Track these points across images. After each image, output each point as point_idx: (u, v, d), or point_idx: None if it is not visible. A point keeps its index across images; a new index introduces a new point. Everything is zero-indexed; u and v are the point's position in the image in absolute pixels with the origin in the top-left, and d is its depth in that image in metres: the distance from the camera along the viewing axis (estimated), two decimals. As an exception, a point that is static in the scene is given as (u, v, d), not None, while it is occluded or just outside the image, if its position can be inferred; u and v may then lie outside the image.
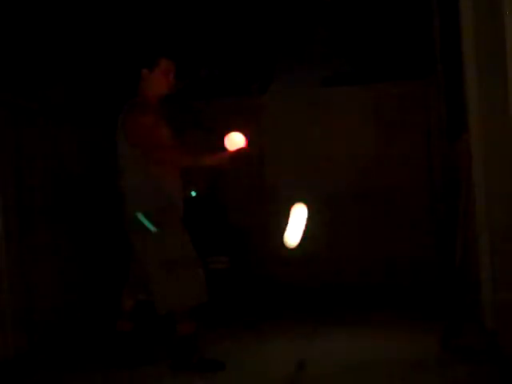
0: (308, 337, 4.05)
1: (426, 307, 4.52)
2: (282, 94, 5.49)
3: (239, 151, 3.53)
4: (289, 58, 5.53)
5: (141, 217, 3.44)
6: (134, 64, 3.58)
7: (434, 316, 4.17)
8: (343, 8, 5.46)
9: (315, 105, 5.46)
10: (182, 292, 3.47)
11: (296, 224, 3.44)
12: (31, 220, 4.12)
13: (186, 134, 3.49)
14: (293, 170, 5.46)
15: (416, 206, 5.29)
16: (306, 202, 3.44)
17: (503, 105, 3.07)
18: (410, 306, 4.64)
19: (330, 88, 5.53)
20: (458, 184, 4.01)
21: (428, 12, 5.13)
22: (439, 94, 5.07)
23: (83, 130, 4.91)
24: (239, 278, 5.30)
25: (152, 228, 3.43)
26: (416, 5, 5.24)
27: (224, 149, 3.53)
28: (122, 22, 5.20)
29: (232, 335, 4.22)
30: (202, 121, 5.49)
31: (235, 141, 3.56)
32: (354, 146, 5.37)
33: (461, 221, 3.80)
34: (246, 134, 3.57)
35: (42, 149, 4.30)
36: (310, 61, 5.51)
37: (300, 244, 3.36)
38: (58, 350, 4.09)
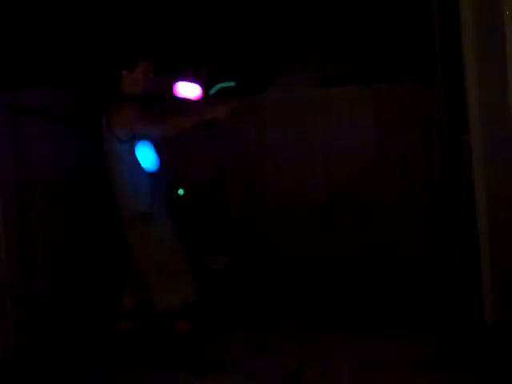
0: (308, 336, 4.05)
1: (425, 307, 4.51)
2: (282, 94, 5.49)
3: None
4: (289, 58, 5.53)
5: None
6: (116, 65, 3.75)
7: (434, 316, 4.17)
8: (344, 8, 5.45)
9: (315, 105, 5.46)
10: (176, 289, 3.53)
11: None
12: (31, 220, 4.12)
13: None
14: (293, 170, 5.46)
15: (416, 206, 5.29)
16: None
17: (503, 105, 3.07)
18: (409, 307, 4.64)
19: (330, 88, 5.53)
20: (458, 184, 4.01)
21: (428, 12, 5.12)
22: (439, 94, 5.07)
23: (83, 129, 4.91)
24: (239, 278, 5.30)
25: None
26: (416, 5, 5.24)
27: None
28: (105, 24, 5.21)
29: (232, 335, 4.22)
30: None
31: (187, 88, 3.70)
32: (353, 146, 5.37)
33: (461, 221, 3.80)
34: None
35: (42, 148, 4.30)
36: (310, 61, 5.51)
37: None
38: (58, 349, 4.09)
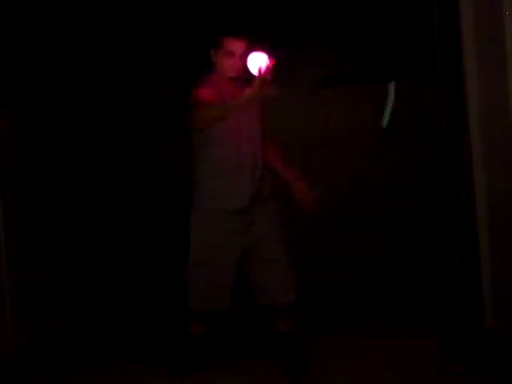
0: (308, 335, 4.04)
1: (424, 307, 4.51)
2: (283, 94, 5.48)
3: (266, 71, 3.25)
4: (289, 58, 5.52)
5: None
6: (204, 43, 3.48)
7: (433, 316, 4.17)
8: (344, 8, 5.45)
9: (316, 105, 5.46)
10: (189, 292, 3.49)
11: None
12: (31, 220, 4.12)
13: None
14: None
15: (416, 206, 5.29)
16: None
17: (503, 105, 3.08)
18: (408, 306, 4.64)
19: (331, 88, 5.53)
20: (458, 184, 4.01)
21: (428, 12, 5.12)
22: (439, 94, 5.06)
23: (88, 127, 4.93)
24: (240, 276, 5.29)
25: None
26: (416, 5, 5.24)
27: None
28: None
29: (231, 334, 4.22)
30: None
31: (258, 60, 3.32)
32: (353, 146, 5.37)
33: (461, 221, 3.80)
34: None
35: (42, 148, 4.31)
36: (311, 61, 5.50)
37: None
38: (59, 348, 4.08)
